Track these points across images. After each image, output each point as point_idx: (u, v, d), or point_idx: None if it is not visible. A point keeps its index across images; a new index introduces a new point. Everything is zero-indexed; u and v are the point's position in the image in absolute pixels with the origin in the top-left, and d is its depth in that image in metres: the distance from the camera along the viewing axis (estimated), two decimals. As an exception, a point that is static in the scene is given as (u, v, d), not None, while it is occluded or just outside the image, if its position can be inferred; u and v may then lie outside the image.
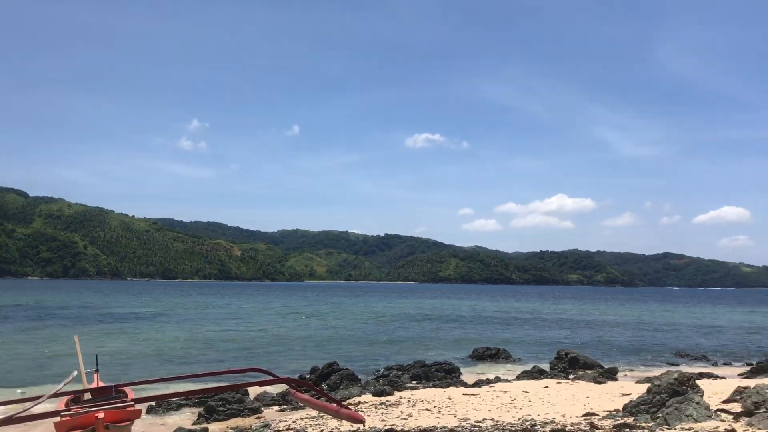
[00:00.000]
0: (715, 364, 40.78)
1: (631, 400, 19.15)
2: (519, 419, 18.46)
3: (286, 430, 17.96)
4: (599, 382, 29.90)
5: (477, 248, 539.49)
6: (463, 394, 24.85)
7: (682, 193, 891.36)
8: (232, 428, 19.11)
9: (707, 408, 16.80)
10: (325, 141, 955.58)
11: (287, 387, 16.54)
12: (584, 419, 18.17)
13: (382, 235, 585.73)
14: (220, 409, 21.43)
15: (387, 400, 23.63)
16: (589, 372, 33.09)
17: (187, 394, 11.23)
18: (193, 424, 20.19)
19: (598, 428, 15.87)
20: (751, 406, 17.58)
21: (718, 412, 17.22)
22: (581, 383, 29.44)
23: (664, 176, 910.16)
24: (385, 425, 17.89)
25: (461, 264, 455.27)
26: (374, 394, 25.42)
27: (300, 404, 21.75)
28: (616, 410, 19.34)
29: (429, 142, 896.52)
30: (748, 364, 39.37)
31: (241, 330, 57.56)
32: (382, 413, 20.46)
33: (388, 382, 28.80)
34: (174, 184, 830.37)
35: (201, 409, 21.94)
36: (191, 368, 32.69)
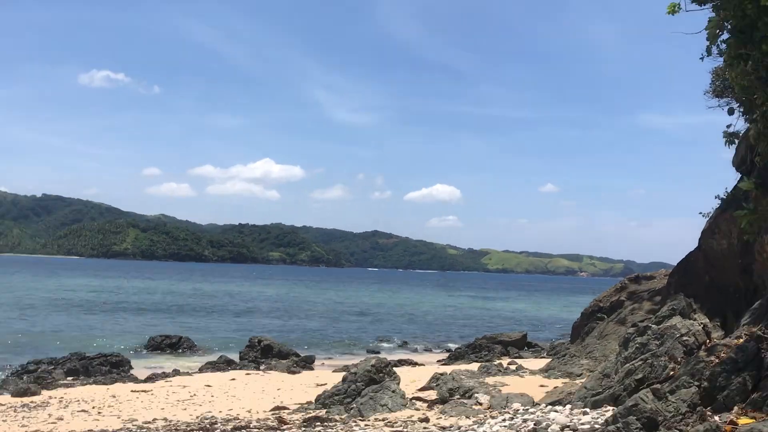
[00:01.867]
0: (415, 351, 45.04)
1: (325, 391, 20.24)
2: (197, 417, 18.43)
3: None
4: (293, 372, 31.18)
5: (164, 217, 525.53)
6: (132, 391, 24.14)
7: (396, 166, 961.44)
8: None
9: (403, 396, 18.40)
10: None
11: None
12: (272, 414, 18.76)
13: (39, 195, 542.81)
14: None
15: (32, 401, 22.03)
16: (284, 361, 34.33)
17: None
18: None
19: (286, 423, 16.47)
20: (445, 393, 19.68)
21: (414, 401, 18.97)
22: (273, 374, 30.42)
23: (379, 147, 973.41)
24: (27, 431, 16.65)
25: (143, 236, 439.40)
26: (15, 395, 23.53)
27: None
28: (309, 402, 20.29)
29: (110, 81, 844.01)
30: (448, 351, 44.28)
31: None
32: (23, 417, 19.02)
33: (34, 379, 26.88)
34: None
35: None
36: None
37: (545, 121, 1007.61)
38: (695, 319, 12.63)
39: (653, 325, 13.05)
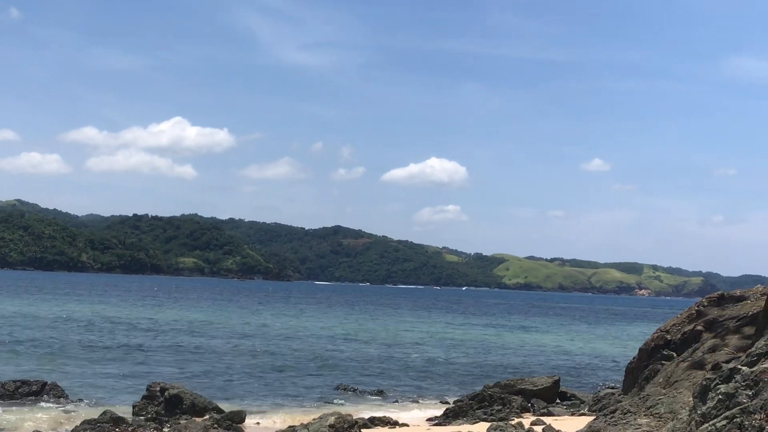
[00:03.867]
0: (396, 403, 45.15)
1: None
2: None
3: None
4: (213, 437, 31.07)
5: (20, 205, 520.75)
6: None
7: (371, 131, 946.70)
8: None
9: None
10: None
11: None
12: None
13: None
14: None
15: None
16: (199, 420, 34.17)
17: None
18: None
19: None
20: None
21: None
22: (183, 439, 30.30)
23: (346, 102, 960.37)
24: None
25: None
26: None
27: None
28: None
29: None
30: (444, 403, 44.37)
31: None
32: None
33: None
34: None
35: None
36: None
37: (590, 67, 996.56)
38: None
39: (744, 368, 13.11)
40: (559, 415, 37.26)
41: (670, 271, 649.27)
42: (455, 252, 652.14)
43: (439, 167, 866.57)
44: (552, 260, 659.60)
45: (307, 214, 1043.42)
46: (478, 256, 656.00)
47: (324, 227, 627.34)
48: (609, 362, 73.54)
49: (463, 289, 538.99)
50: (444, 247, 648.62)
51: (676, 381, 26.50)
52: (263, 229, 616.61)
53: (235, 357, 65.15)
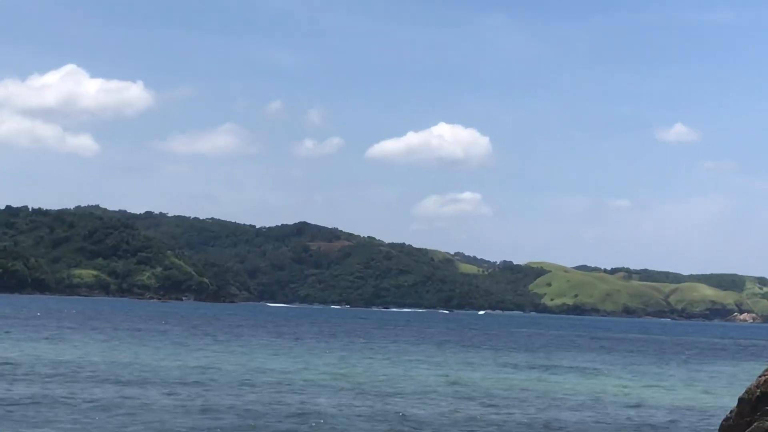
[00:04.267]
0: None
1: None
2: None
3: None
4: None
5: None
6: None
7: (351, 87, 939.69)
8: None
9: None
10: None
11: None
12: None
13: None
14: None
15: None
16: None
17: None
18: None
19: None
20: None
21: None
22: None
23: (315, 45, 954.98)
24: None
25: None
26: None
27: None
28: None
29: None
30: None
31: None
32: None
33: None
34: None
35: None
36: None
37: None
38: None
39: None
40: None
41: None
42: (473, 260, 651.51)
43: (450, 137, 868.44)
44: (613, 271, 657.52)
45: (259, 206, 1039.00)
46: (507, 266, 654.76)
47: (283, 225, 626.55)
48: (696, 418, 74.61)
49: (480, 313, 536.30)
50: (457, 254, 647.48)
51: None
52: (195, 227, 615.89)
53: (167, 414, 66.06)
